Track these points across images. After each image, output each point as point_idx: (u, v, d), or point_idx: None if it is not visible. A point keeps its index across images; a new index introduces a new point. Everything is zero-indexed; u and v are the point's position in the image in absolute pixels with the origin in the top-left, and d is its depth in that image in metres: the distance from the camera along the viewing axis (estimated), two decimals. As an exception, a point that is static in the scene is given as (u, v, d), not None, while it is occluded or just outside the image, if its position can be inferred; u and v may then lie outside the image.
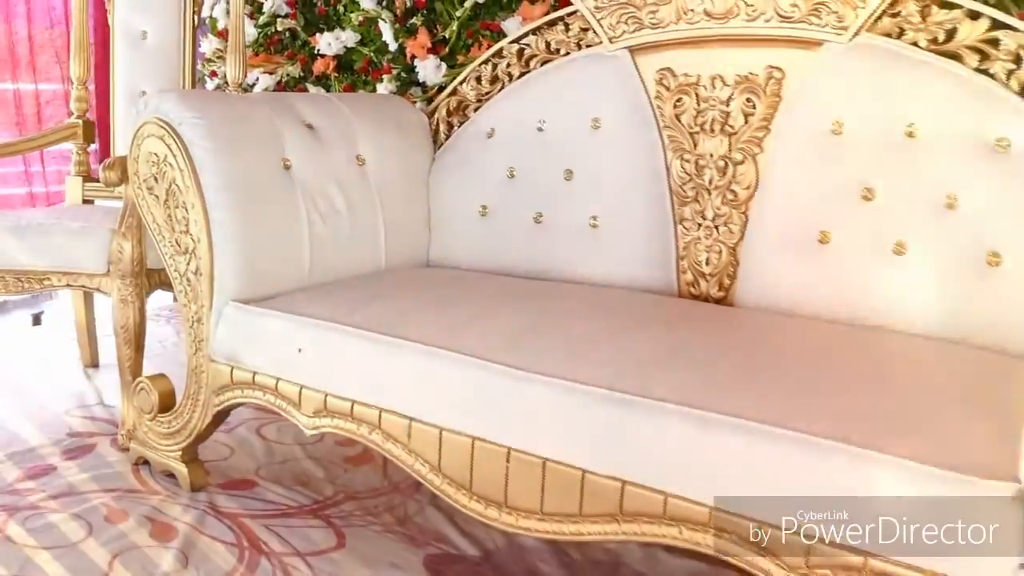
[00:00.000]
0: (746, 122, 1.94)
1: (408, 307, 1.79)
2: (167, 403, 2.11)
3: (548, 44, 2.26)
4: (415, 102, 2.66)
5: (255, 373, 1.87)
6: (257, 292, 1.94)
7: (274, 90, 3.46)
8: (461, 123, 2.42)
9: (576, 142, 2.15)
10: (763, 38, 1.92)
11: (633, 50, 2.09)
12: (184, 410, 2.04)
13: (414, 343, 1.61)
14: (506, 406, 1.48)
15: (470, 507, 1.55)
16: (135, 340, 2.26)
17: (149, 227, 2.04)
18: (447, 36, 3.02)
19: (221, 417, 2.02)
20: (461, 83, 2.43)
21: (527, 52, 2.30)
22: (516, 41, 2.32)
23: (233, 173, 1.93)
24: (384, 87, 3.25)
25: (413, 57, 3.13)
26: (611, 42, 2.13)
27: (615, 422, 1.37)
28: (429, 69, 3.05)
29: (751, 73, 1.93)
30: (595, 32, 2.16)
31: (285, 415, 1.84)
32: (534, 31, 2.29)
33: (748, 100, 1.93)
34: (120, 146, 2.76)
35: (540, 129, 2.22)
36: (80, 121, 2.80)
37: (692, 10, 1.99)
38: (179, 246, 1.97)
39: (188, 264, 1.97)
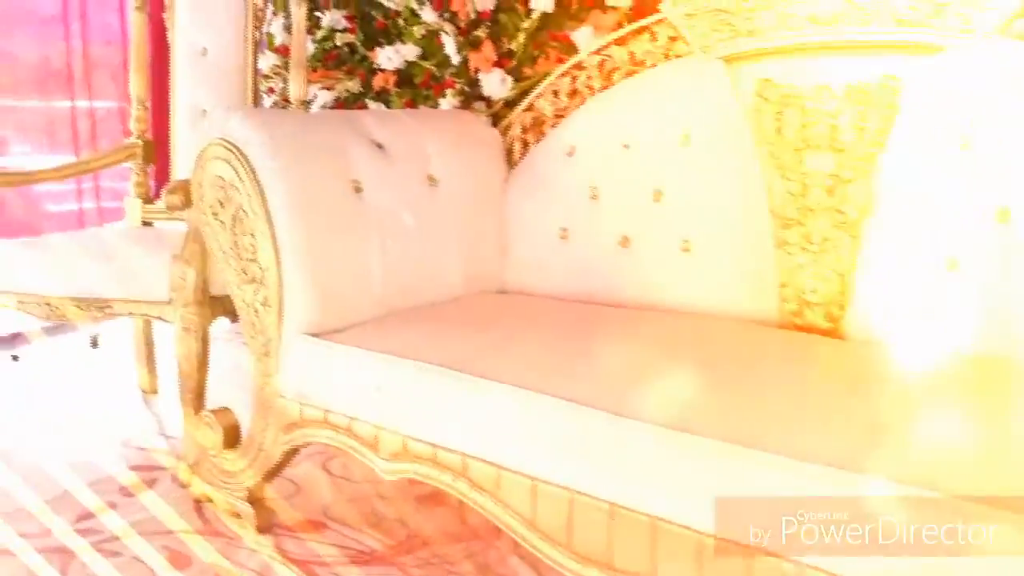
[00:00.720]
0: (858, 136, 1.78)
1: (493, 341, 1.65)
2: (232, 439, 1.99)
3: (633, 55, 2.12)
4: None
5: (327, 411, 1.75)
6: (328, 323, 1.82)
7: (332, 106, 3.37)
8: (537, 140, 2.28)
9: (665, 159, 2.00)
10: (876, 45, 1.75)
11: (727, 60, 1.94)
12: (250, 448, 1.92)
13: (504, 384, 1.47)
14: (610, 457, 1.33)
15: (568, 567, 1.40)
16: (197, 371, 2.15)
17: (214, 254, 1.93)
18: (513, 48, 2.90)
19: (290, 456, 1.90)
20: (537, 98, 2.29)
21: (609, 64, 2.16)
22: (598, 52, 2.18)
23: (302, 197, 1.81)
24: (446, 102, 3.13)
25: (476, 70, 3.01)
26: (703, 51, 1.98)
27: (737, 481, 1.21)
28: (494, 83, 2.94)
29: (863, 83, 1.76)
30: (685, 41, 2.01)
31: (360, 457, 1.71)
32: (617, 41, 2.14)
33: (860, 112, 1.77)
34: (181, 166, 2.67)
35: (625, 146, 2.08)
36: (140, 141, 2.71)
37: (795, 15, 1.83)
38: (246, 275, 1.86)
39: (256, 294, 1.85)
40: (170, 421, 2.56)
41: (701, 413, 1.29)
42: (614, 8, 2.58)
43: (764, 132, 1.88)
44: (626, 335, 1.67)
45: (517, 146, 2.32)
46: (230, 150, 1.83)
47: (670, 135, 2.00)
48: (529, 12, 2.78)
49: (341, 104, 3.43)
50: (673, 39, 2.05)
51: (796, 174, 1.84)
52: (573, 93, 2.23)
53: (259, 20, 2.62)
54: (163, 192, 2.13)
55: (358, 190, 1.92)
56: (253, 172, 1.81)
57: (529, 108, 2.31)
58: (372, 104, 3.38)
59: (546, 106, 2.27)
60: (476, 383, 1.51)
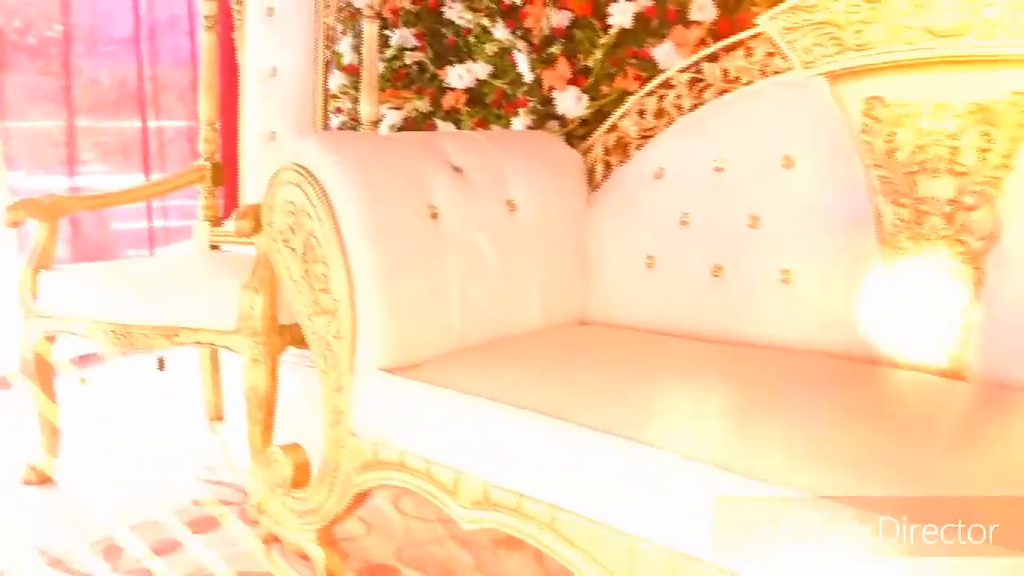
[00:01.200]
0: (981, 159, 1.62)
1: (583, 380, 1.52)
2: (301, 477, 1.90)
3: (726, 72, 1.98)
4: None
5: (404, 453, 1.64)
6: (405, 358, 1.72)
7: (401, 126, 3.30)
8: (621, 162, 2.16)
9: (763, 183, 1.86)
10: (1003, 59, 1.59)
11: (832, 76, 1.79)
12: (320, 487, 1.82)
13: (601, 433, 1.34)
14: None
15: (671, 637, 1.27)
16: (265, 404, 2.07)
17: (285, 283, 1.84)
18: (589, 65, 2.79)
19: (362, 498, 1.80)
20: (622, 117, 2.16)
21: (701, 81, 2.03)
22: (688, 69, 2.05)
23: (377, 224, 1.71)
24: (519, 121, 3.04)
25: (550, 88, 2.91)
26: (805, 68, 1.83)
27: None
28: (569, 101, 2.84)
29: (989, 100, 1.61)
30: (784, 57, 1.87)
31: (437, 503, 1.60)
32: (709, 57, 2.01)
33: (984, 133, 1.61)
34: (250, 188, 2.60)
35: (719, 168, 1.94)
36: (208, 163, 2.66)
37: (911, 28, 1.68)
38: (318, 305, 1.77)
39: (328, 326, 1.76)
40: (237, 451, 2.49)
41: (840, 472, 1.15)
42: (697, 23, 2.46)
43: (874, 154, 1.73)
44: (727, 375, 1.53)
45: (599, 168, 2.20)
46: (302, 174, 1.74)
47: (769, 157, 1.86)
48: (606, 28, 2.67)
49: (410, 123, 3.36)
50: (771, 54, 1.91)
51: (909, 200, 1.69)
52: (660, 112, 2.10)
53: (330, 40, 2.55)
54: (233, 216, 2.07)
55: (435, 216, 1.83)
56: (326, 198, 1.72)
57: (612, 128, 2.18)
58: (441, 123, 3.30)
59: (631, 126, 2.15)
60: (568, 429, 1.38)
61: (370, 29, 2.43)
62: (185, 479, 2.34)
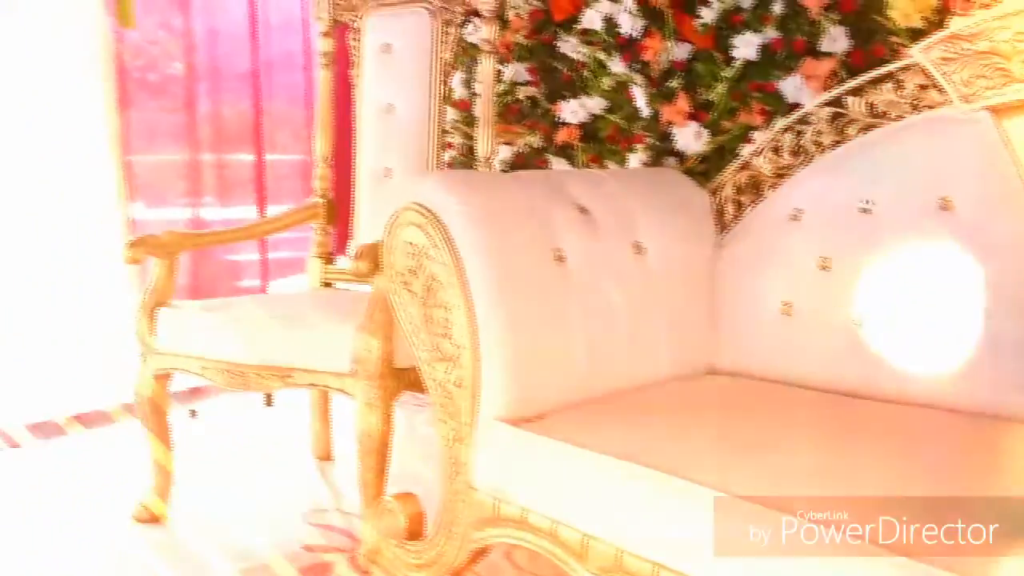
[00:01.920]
0: None
1: (724, 440, 1.41)
2: (416, 529, 1.82)
3: (872, 106, 1.85)
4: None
5: (526, 510, 1.55)
6: (528, 408, 1.63)
7: (512, 161, 3.25)
8: (754, 202, 2.04)
9: (916, 228, 1.71)
10: None
11: (997, 110, 1.65)
12: (436, 541, 1.74)
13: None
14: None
15: None
16: (379, 449, 2.00)
17: (403, 327, 1.78)
18: (710, 99, 2.69)
19: (482, 553, 1.71)
20: (755, 155, 2.05)
21: (843, 116, 1.90)
22: (828, 104, 1.92)
23: (503, 269, 1.64)
24: (635, 157, 2.95)
25: (669, 124, 2.81)
26: (964, 101, 1.69)
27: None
28: (688, 137, 2.74)
29: None
30: (940, 90, 1.73)
31: (563, 566, 1.50)
32: (852, 91, 1.88)
33: None
34: (363, 226, 2.57)
35: (865, 210, 1.80)
36: (323, 200, 2.65)
37: (1094, 56, 1.53)
38: (438, 352, 1.70)
39: (448, 373, 1.68)
40: (346, 494, 2.44)
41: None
42: (828, 55, 2.34)
43: (1047, 196, 1.57)
44: (883, 437, 1.39)
45: (729, 208, 2.08)
46: (424, 216, 1.68)
47: (923, 199, 1.71)
48: (729, 61, 2.57)
49: (521, 159, 3.31)
50: (924, 87, 1.77)
51: (1090, 247, 1.53)
52: (798, 150, 1.97)
53: (446, 76, 2.50)
54: (350, 256, 2.03)
55: (560, 259, 1.74)
56: (449, 240, 1.65)
57: (744, 167, 2.07)
58: (554, 159, 3.24)
59: (764, 164, 2.03)
60: (709, 496, 1.27)
61: (487, 65, 2.38)
62: (295, 521, 2.30)
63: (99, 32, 3.19)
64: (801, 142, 1.96)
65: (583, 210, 1.84)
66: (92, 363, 3.25)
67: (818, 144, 1.94)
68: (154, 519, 2.32)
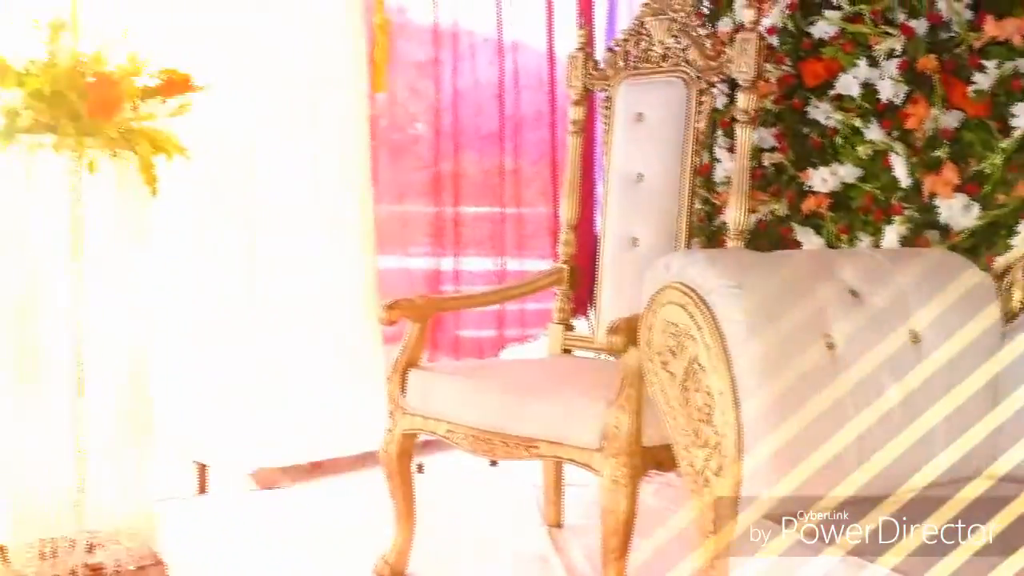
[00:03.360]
0: None
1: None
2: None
3: None
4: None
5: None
6: (794, 505, 1.53)
7: (755, 230, 3.16)
8: (1048, 290, 1.85)
9: None
10: None
11: None
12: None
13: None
14: None
15: None
16: (623, 529, 1.95)
17: (659, 406, 1.73)
18: (982, 171, 2.50)
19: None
20: (1051, 237, 1.87)
21: None
22: None
23: (772, 356, 1.56)
24: (891, 229, 2.78)
25: (932, 195, 2.64)
26: None
27: None
28: (955, 210, 2.55)
29: None
30: None
31: None
32: None
33: None
34: (607, 294, 2.56)
35: None
36: (566, 266, 2.66)
37: None
38: (697, 437, 1.63)
39: (707, 461, 1.61)
40: (579, 566, 2.40)
41: None
42: None
43: None
44: None
45: (1017, 295, 1.90)
46: (689, 295, 1.64)
47: None
48: (1005, 131, 2.38)
49: (764, 227, 3.21)
50: None
51: None
52: (1102, 231, 1.78)
53: (700, 145, 2.46)
54: (591, 322, 2.02)
55: (831, 347, 1.64)
56: (715, 323, 1.59)
57: (1037, 250, 1.89)
58: (799, 228, 3.13)
59: (1064, 248, 1.84)
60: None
61: (744, 134, 2.32)
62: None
63: (359, 96, 3.40)
64: (1108, 224, 1.77)
65: (854, 294, 1.73)
66: (334, 410, 3.39)
67: None
68: (396, 575, 2.37)
